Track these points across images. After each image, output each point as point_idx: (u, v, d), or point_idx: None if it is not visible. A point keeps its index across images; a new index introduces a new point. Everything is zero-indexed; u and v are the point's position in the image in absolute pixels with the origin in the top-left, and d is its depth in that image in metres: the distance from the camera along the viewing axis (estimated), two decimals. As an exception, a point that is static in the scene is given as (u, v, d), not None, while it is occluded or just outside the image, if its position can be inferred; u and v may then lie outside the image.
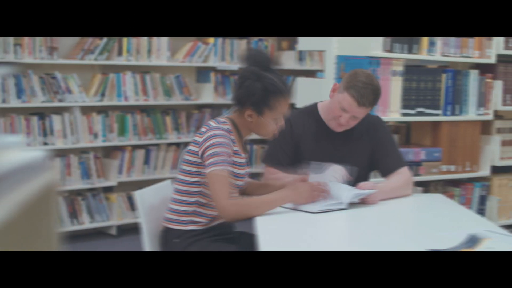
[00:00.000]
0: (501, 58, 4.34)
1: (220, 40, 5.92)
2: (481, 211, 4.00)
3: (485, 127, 4.07)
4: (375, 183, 2.87)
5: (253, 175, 5.97)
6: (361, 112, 2.89)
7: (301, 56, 6.38)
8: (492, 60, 3.95)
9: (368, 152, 3.08)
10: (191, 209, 2.65)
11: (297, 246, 2.18)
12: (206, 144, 2.57)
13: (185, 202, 2.66)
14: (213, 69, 5.97)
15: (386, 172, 3.09)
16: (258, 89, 2.61)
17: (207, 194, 2.65)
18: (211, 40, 5.88)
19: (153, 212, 2.78)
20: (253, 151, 6.21)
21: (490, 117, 3.98)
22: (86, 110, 5.34)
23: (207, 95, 5.91)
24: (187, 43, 5.85)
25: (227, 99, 6.00)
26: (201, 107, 6.04)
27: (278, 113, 2.66)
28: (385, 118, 3.58)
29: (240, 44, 6.07)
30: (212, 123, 2.65)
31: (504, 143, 4.09)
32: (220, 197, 2.51)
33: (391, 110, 3.61)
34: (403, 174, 3.04)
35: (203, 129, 2.64)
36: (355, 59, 3.53)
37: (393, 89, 3.60)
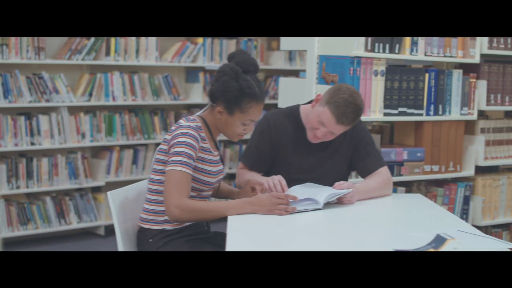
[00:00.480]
0: (485, 58, 4.33)
1: (209, 40, 5.91)
2: (465, 211, 3.99)
3: (469, 127, 4.06)
4: (352, 183, 2.86)
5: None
6: (339, 129, 2.87)
7: (290, 56, 6.37)
8: (476, 59, 3.93)
9: (348, 154, 3.07)
10: (164, 209, 2.64)
11: (268, 246, 2.17)
12: (172, 142, 2.58)
13: (159, 202, 2.65)
14: (202, 69, 5.97)
15: (365, 172, 3.08)
16: (233, 87, 2.61)
17: None
18: (200, 40, 5.87)
19: (130, 212, 2.77)
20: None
21: (474, 117, 3.97)
22: (74, 110, 5.34)
23: (196, 95, 5.91)
24: (176, 43, 5.84)
25: (216, 99, 5.99)
26: (190, 107, 6.03)
27: (247, 117, 2.66)
28: (367, 118, 3.58)
29: (229, 44, 6.06)
30: (182, 121, 2.65)
31: (488, 143, 4.08)
32: (169, 198, 2.51)
33: (373, 110, 3.59)
34: (382, 174, 3.03)
35: (173, 128, 2.65)
36: (336, 59, 3.52)
37: (375, 89, 3.58)
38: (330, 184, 2.86)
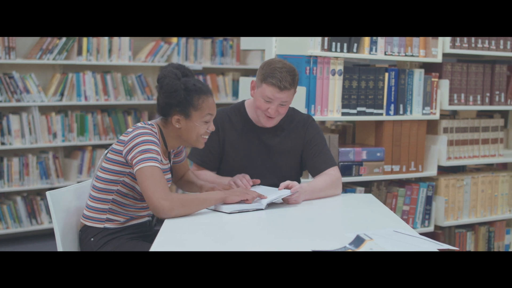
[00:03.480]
0: (448, 57, 4.31)
1: (183, 39, 5.90)
2: (427, 212, 3.97)
3: (431, 127, 4.04)
4: (298, 183, 2.84)
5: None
6: (285, 96, 2.90)
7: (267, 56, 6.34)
8: (438, 59, 3.91)
9: (298, 150, 3.07)
10: (108, 207, 2.65)
11: (198, 246, 2.16)
12: (133, 142, 2.54)
13: (102, 200, 2.65)
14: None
15: (314, 172, 3.07)
16: (179, 86, 2.59)
17: (125, 194, 2.64)
18: (174, 39, 5.86)
19: (72, 213, 2.76)
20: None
21: (436, 116, 3.94)
22: (45, 110, 5.33)
23: (170, 94, 5.88)
24: (150, 43, 5.83)
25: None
26: (164, 107, 6.01)
27: (205, 113, 2.64)
28: (324, 117, 3.56)
29: (205, 44, 6.05)
30: (140, 124, 2.63)
31: (452, 143, 4.05)
32: (153, 193, 2.45)
33: (331, 110, 3.57)
34: (330, 174, 3.02)
35: (129, 129, 2.62)
36: (293, 58, 3.50)
37: (333, 89, 3.56)
38: (281, 179, 2.88)
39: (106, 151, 2.69)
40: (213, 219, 2.52)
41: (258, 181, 2.96)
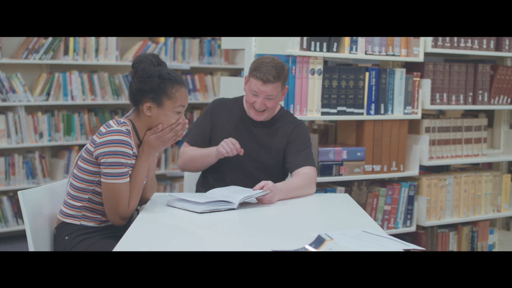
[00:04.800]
0: (435, 57, 4.31)
1: (171, 39, 5.89)
2: (409, 211, 3.96)
3: (413, 126, 4.03)
4: (273, 183, 2.83)
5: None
6: (270, 89, 2.96)
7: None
8: (420, 58, 3.90)
9: (283, 148, 3.10)
10: (83, 205, 2.65)
11: (161, 246, 2.15)
12: (104, 150, 2.52)
13: (78, 198, 2.65)
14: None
15: (291, 169, 3.09)
16: (153, 72, 2.58)
17: (100, 193, 2.63)
18: (161, 39, 5.85)
19: (45, 212, 2.75)
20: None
21: (418, 116, 3.93)
22: (31, 110, 5.32)
23: (158, 94, 5.87)
24: (137, 42, 5.82)
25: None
26: (151, 106, 6.00)
27: (177, 103, 2.62)
28: (303, 117, 3.55)
29: (193, 44, 6.04)
30: (112, 123, 2.59)
31: (434, 143, 4.04)
32: (119, 210, 2.56)
33: (310, 109, 3.57)
34: (306, 174, 3.02)
35: (102, 129, 2.58)
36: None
37: (312, 88, 3.56)
38: (265, 174, 2.96)
39: (81, 150, 2.68)
40: (184, 219, 2.52)
41: (242, 150, 2.99)
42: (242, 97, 3.20)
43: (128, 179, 2.56)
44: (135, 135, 2.65)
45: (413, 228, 3.99)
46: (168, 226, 2.47)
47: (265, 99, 2.99)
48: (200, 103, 6.12)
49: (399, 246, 2.11)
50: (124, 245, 2.13)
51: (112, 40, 5.57)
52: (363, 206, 3.84)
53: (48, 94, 5.33)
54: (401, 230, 3.95)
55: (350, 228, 2.33)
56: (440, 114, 4.75)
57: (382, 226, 3.89)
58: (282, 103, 3.42)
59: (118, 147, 2.51)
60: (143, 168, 2.62)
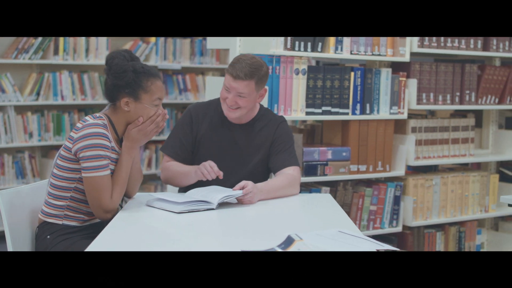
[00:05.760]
0: (420, 57, 4.30)
1: (161, 39, 5.88)
2: (395, 212, 3.95)
3: (400, 126, 4.02)
4: (253, 183, 2.82)
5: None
6: (240, 86, 2.90)
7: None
8: (406, 58, 3.89)
9: (267, 148, 3.06)
10: (66, 204, 2.65)
11: (135, 246, 2.15)
12: (82, 144, 2.52)
13: (59, 197, 2.65)
14: (155, 68, 5.93)
15: (274, 169, 3.07)
16: (128, 67, 2.58)
17: (82, 190, 2.63)
18: (152, 39, 5.84)
19: (27, 212, 2.75)
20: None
21: (404, 116, 3.93)
22: (21, 110, 5.32)
23: (149, 94, 5.87)
24: (128, 42, 5.82)
25: (169, 98, 5.98)
26: (142, 106, 5.99)
27: (154, 96, 2.63)
28: (288, 117, 3.54)
29: (183, 44, 6.04)
30: (89, 118, 2.61)
31: (420, 143, 4.03)
32: (102, 203, 2.56)
33: (294, 109, 3.56)
34: (288, 174, 3.00)
35: (79, 125, 2.59)
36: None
37: (296, 88, 3.55)
38: (250, 175, 2.90)
39: (60, 149, 2.68)
40: (161, 219, 2.51)
41: (221, 173, 2.92)
42: (217, 99, 3.10)
43: (108, 172, 2.56)
44: (112, 130, 2.65)
45: (399, 229, 3.99)
46: (144, 226, 2.46)
47: (236, 96, 2.91)
48: (192, 103, 6.09)
49: (373, 246, 2.11)
50: (97, 245, 2.12)
51: (103, 40, 5.57)
52: (349, 206, 3.83)
53: (38, 94, 5.33)
54: (387, 230, 3.95)
55: (328, 228, 2.32)
56: (430, 114, 4.74)
57: (367, 227, 3.89)
58: (264, 103, 3.41)
59: (96, 140, 2.52)
60: (126, 162, 2.64)
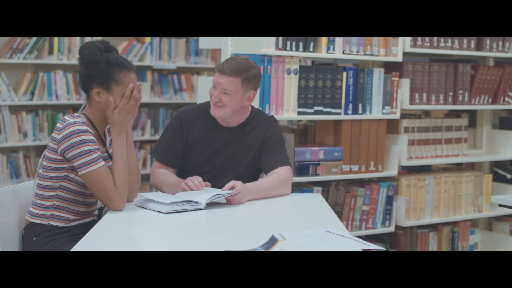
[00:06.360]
0: (415, 57, 4.30)
1: (156, 39, 5.88)
2: (388, 212, 3.95)
3: (392, 126, 4.01)
4: (242, 183, 2.81)
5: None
6: (225, 82, 2.89)
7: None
8: (399, 58, 3.89)
9: (258, 149, 3.05)
10: (51, 203, 2.65)
11: (121, 246, 2.15)
12: (67, 144, 2.52)
13: (46, 197, 2.64)
14: (150, 68, 5.93)
15: (266, 169, 3.06)
16: (99, 57, 2.59)
17: (68, 188, 2.63)
18: (147, 39, 5.84)
19: (13, 212, 2.75)
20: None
21: (396, 116, 3.92)
22: (15, 109, 5.32)
23: (144, 94, 5.87)
24: (122, 42, 5.82)
25: (165, 98, 5.98)
26: (137, 106, 5.99)
27: (126, 88, 2.62)
28: (279, 117, 3.54)
29: (179, 43, 6.03)
30: (68, 118, 2.61)
31: (413, 143, 4.03)
32: (108, 194, 2.55)
33: (286, 109, 3.56)
34: (279, 174, 2.99)
35: (59, 125, 2.59)
36: (248, 57, 3.47)
37: (288, 88, 3.55)
38: (240, 177, 2.87)
39: (45, 150, 2.68)
40: (150, 220, 2.51)
41: (209, 184, 2.92)
42: (208, 103, 3.07)
43: (102, 163, 2.54)
44: (92, 127, 2.65)
45: (392, 229, 3.98)
46: (131, 226, 2.46)
47: (221, 93, 2.90)
48: (187, 103, 6.11)
49: (359, 246, 2.10)
50: (83, 245, 2.12)
51: (97, 39, 5.55)
52: (341, 206, 3.83)
53: (33, 93, 5.33)
54: (380, 230, 3.94)
55: (316, 228, 2.32)
56: (425, 114, 4.74)
57: (360, 227, 3.88)
58: (256, 103, 3.41)
59: (79, 137, 2.52)
60: (120, 146, 2.62)
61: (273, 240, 1.89)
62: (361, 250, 2.05)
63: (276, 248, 1.85)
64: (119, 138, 2.63)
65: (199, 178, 2.86)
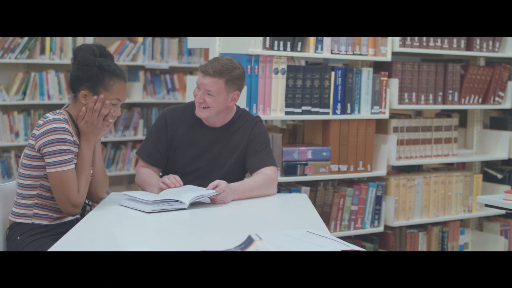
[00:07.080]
0: (407, 56, 4.30)
1: (149, 39, 5.87)
2: (377, 212, 3.94)
3: (381, 126, 4.01)
4: (226, 182, 2.81)
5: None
6: (208, 83, 2.88)
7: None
8: (388, 58, 3.88)
9: (243, 149, 3.05)
10: (33, 202, 2.65)
11: (101, 246, 2.14)
12: (45, 140, 2.53)
13: (27, 196, 2.65)
14: (142, 67, 5.93)
15: (251, 169, 3.05)
16: (92, 61, 2.60)
17: (49, 187, 2.63)
18: (139, 38, 5.83)
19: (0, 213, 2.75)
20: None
21: (385, 116, 3.92)
22: (7, 109, 5.32)
23: (136, 94, 5.88)
24: (115, 42, 5.81)
25: (157, 98, 5.97)
26: (130, 106, 6.00)
27: (113, 96, 2.64)
28: (267, 117, 3.54)
29: (171, 43, 6.03)
30: (49, 114, 2.62)
31: (402, 143, 4.03)
32: (69, 197, 2.56)
33: (274, 109, 3.55)
34: (265, 174, 2.99)
35: (40, 122, 2.61)
36: (234, 57, 3.47)
37: (276, 87, 3.54)
38: (225, 177, 2.86)
39: (25, 148, 2.68)
40: (132, 219, 2.51)
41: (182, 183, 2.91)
42: (193, 102, 3.06)
43: (73, 166, 2.57)
44: (73, 124, 2.66)
45: (381, 229, 3.98)
46: (111, 225, 2.46)
47: (205, 94, 2.90)
48: (180, 103, 6.09)
49: (338, 246, 2.10)
50: (63, 245, 2.12)
51: (89, 40, 5.56)
52: (329, 206, 3.82)
53: (24, 93, 5.32)
54: (369, 230, 3.94)
55: (298, 228, 2.31)
56: (416, 114, 4.73)
57: (349, 227, 3.88)
58: (243, 102, 3.40)
59: (57, 135, 2.53)
60: (86, 154, 2.64)
61: (249, 240, 1.89)
62: (339, 251, 2.05)
63: (251, 248, 1.84)
64: (87, 146, 2.65)
65: (176, 176, 2.85)
